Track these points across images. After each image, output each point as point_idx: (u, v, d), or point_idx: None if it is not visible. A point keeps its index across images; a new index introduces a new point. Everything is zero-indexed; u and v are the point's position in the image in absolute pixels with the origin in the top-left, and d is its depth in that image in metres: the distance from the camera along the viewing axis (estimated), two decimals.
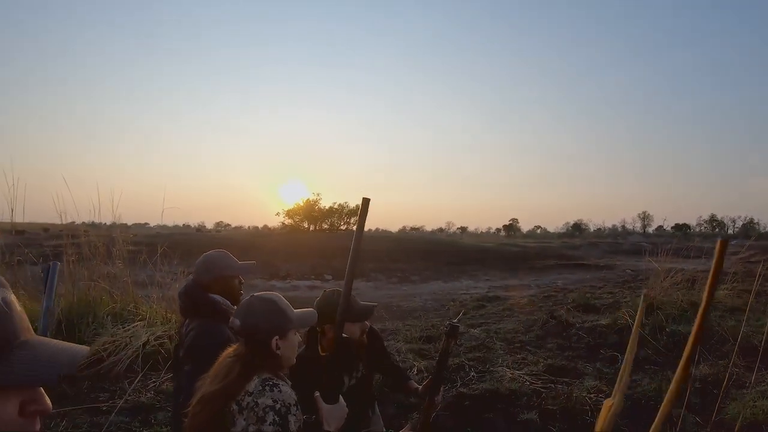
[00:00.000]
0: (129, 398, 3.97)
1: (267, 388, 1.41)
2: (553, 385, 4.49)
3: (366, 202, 1.56)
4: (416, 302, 11.17)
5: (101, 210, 5.91)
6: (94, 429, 3.35)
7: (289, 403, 1.40)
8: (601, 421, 0.53)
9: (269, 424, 1.34)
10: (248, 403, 1.37)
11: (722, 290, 6.03)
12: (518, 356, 5.52)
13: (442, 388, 2.31)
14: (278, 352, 1.52)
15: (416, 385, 2.55)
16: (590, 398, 4.14)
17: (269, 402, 1.37)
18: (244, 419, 1.36)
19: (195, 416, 1.42)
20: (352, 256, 1.56)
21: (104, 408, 3.67)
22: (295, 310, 1.62)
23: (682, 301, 6.55)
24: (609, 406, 0.53)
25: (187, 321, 2.33)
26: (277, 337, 1.52)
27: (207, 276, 2.32)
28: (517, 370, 4.92)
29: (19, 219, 5.54)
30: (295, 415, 1.40)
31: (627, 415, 3.99)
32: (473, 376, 4.73)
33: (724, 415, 3.76)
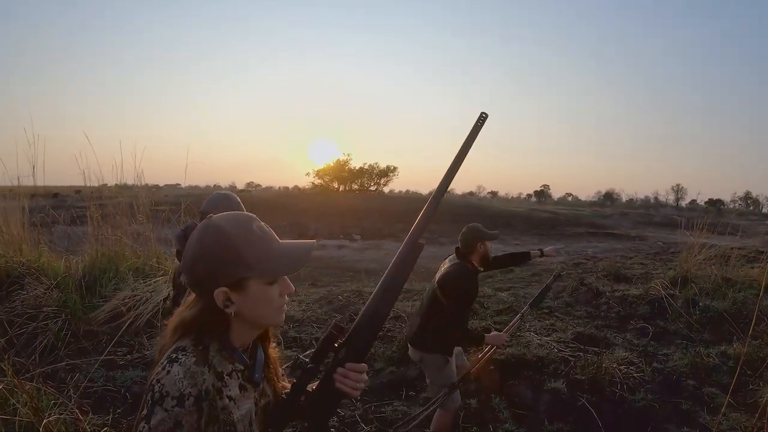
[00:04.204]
0: (147, 352, 3.96)
1: (166, 360, 0.96)
2: (581, 354, 4.31)
3: (483, 117, 1.24)
4: None
5: (123, 167, 5.83)
6: (110, 383, 3.33)
7: (166, 392, 0.92)
8: None
9: (143, 405, 0.95)
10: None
11: (757, 268, 5.77)
12: (546, 322, 5.36)
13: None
14: (228, 310, 1.01)
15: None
16: (620, 370, 3.94)
17: (153, 380, 0.95)
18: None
19: None
20: (454, 162, 1.25)
21: (121, 362, 3.64)
22: (282, 242, 1.07)
23: (716, 276, 6.32)
24: None
25: None
26: (225, 288, 0.99)
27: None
28: (545, 336, 4.75)
29: (41, 180, 5.44)
30: (167, 410, 0.91)
31: (656, 390, 3.80)
32: None
33: (758, 397, 3.55)
